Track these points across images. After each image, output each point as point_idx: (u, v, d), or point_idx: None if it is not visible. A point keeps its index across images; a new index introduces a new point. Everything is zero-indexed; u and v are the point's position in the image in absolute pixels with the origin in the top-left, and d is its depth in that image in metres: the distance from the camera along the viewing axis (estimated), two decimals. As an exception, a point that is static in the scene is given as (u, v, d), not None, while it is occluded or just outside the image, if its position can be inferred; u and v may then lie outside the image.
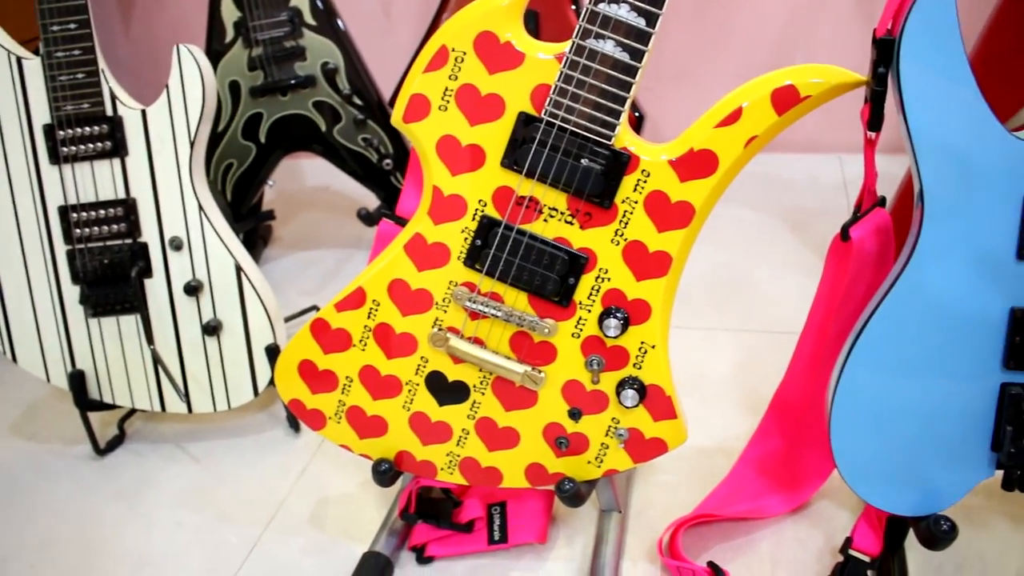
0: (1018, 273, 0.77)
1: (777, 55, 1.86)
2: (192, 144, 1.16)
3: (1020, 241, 0.76)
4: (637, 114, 1.45)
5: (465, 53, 0.83)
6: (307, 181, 2.01)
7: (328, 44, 1.51)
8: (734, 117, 0.79)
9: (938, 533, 0.81)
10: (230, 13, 1.51)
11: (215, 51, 1.52)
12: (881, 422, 0.81)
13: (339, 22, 1.52)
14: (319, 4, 1.50)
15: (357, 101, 1.52)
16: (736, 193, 1.70)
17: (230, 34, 1.52)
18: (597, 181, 0.81)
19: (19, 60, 1.15)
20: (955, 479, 0.82)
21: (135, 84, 1.32)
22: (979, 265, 0.77)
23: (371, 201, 1.62)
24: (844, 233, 0.86)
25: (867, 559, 0.89)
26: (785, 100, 0.79)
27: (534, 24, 1.44)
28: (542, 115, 0.81)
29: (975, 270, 0.77)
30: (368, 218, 1.01)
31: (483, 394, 0.89)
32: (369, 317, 0.90)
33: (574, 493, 0.88)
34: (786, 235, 1.61)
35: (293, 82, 1.51)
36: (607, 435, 0.87)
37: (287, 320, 1.35)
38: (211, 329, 1.18)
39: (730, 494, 1.00)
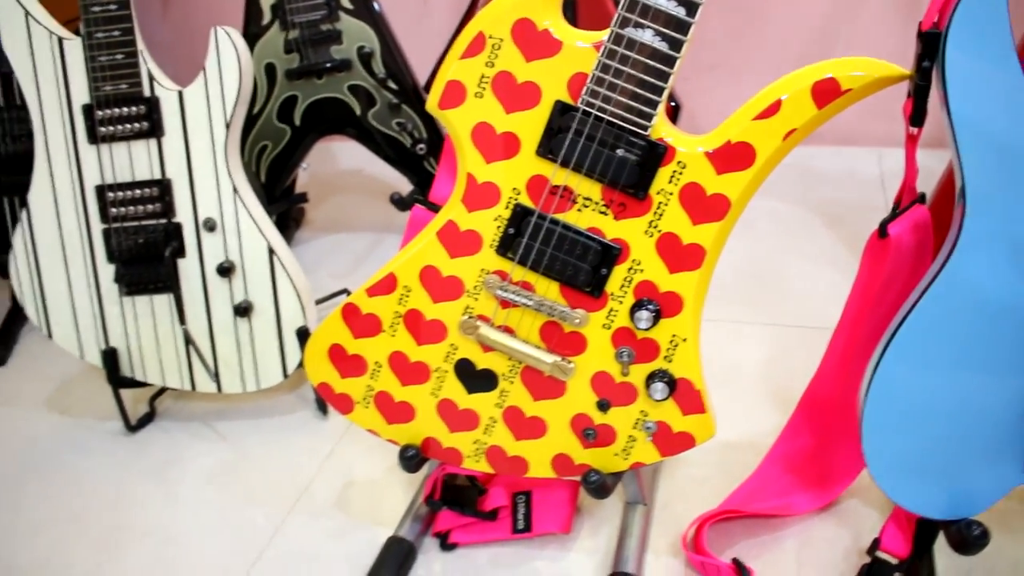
0: (1060, 274, 0.75)
1: (817, 47, 1.84)
2: (228, 126, 1.17)
3: (1064, 241, 0.75)
4: (673, 104, 1.44)
5: (502, 40, 0.83)
6: (341, 164, 2.02)
7: (364, 28, 1.51)
8: (773, 110, 0.78)
9: (969, 538, 0.79)
10: (268, -5, 1.51)
11: (252, 33, 1.52)
12: (915, 422, 0.80)
13: (375, 6, 1.51)
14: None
15: (392, 85, 1.52)
16: (771, 186, 1.67)
17: (267, 16, 1.52)
18: (632, 172, 0.80)
19: (60, 40, 1.16)
20: (989, 483, 0.81)
21: (173, 65, 1.33)
22: (1018, 269, 0.76)
23: (404, 185, 1.62)
24: (882, 230, 0.84)
25: (895, 561, 0.88)
26: (826, 93, 0.77)
27: (571, 12, 1.43)
28: (578, 104, 0.81)
29: (1017, 269, 0.76)
30: (401, 203, 1.00)
31: (512, 383, 0.89)
32: (400, 303, 0.90)
33: (600, 485, 0.87)
34: (821, 229, 1.59)
35: (329, 65, 1.51)
36: (635, 428, 0.87)
37: (318, 303, 1.36)
38: (242, 310, 1.18)
39: (757, 490, 0.99)
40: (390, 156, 1.57)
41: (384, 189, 1.87)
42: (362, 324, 0.92)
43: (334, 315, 0.93)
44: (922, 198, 0.87)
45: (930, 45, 0.77)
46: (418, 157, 1.55)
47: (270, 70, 1.54)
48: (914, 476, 0.81)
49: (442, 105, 0.86)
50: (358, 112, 1.54)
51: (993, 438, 0.79)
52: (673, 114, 1.43)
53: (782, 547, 0.98)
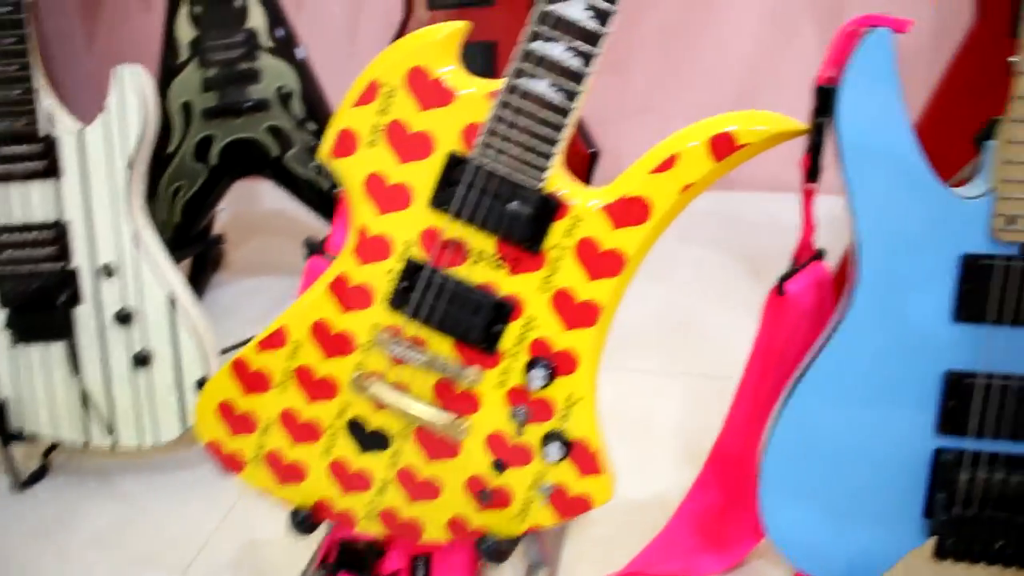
0: (953, 335, 0.74)
1: (742, 91, 1.85)
2: (130, 168, 1.13)
3: (955, 302, 0.74)
4: (592, 151, 1.42)
5: (396, 88, 0.80)
6: (264, 204, 1.98)
7: (284, 67, 1.48)
8: (669, 163, 0.77)
9: (867, 603, 0.78)
10: (186, 32, 1.48)
11: (169, 70, 1.49)
12: (812, 485, 0.78)
13: (297, 44, 1.49)
14: (276, 26, 1.48)
15: (311, 127, 1.49)
16: (695, 232, 1.68)
17: (185, 53, 1.48)
18: (525, 226, 0.78)
19: (-49, 76, 1.11)
20: (887, 545, 0.79)
21: (98, 100, 1.28)
22: (913, 325, 0.75)
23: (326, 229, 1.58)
24: (780, 287, 0.83)
25: (798, 625, 0.86)
26: (722, 147, 0.76)
27: (490, 56, 1.42)
28: (471, 155, 0.79)
29: (910, 331, 0.75)
30: (313, 249, 0.98)
31: (405, 442, 0.86)
32: (290, 358, 0.86)
33: (494, 550, 0.84)
34: (745, 277, 1.59)
35: (246, 105, 1.48)
36: (531, 489, 0.84)
37: (225, 351, 1.31)
38: (141, 360, 1.14)
39: (662, 551, 0.96)
40: (308, 199, 1.54)
41: (308, 231, 1.81)
42: (252, 380, 0.88)
43: (223, 370, 0.89)
44: (820, 254, 0.86)
45: (824, 100, 0.76)
46: (336, 201, 1.52)
47: (186, 108, 1.50)
48: (812, 538, 0.79)
49: (334, 154, 0.83)
50: (276, 153, 1.51)
51: (890, 501, 0.78)
52: (591, 161, 1.42)
53: (689, 609, 0.95)
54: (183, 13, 1.48)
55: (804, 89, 1.85)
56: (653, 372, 1.33)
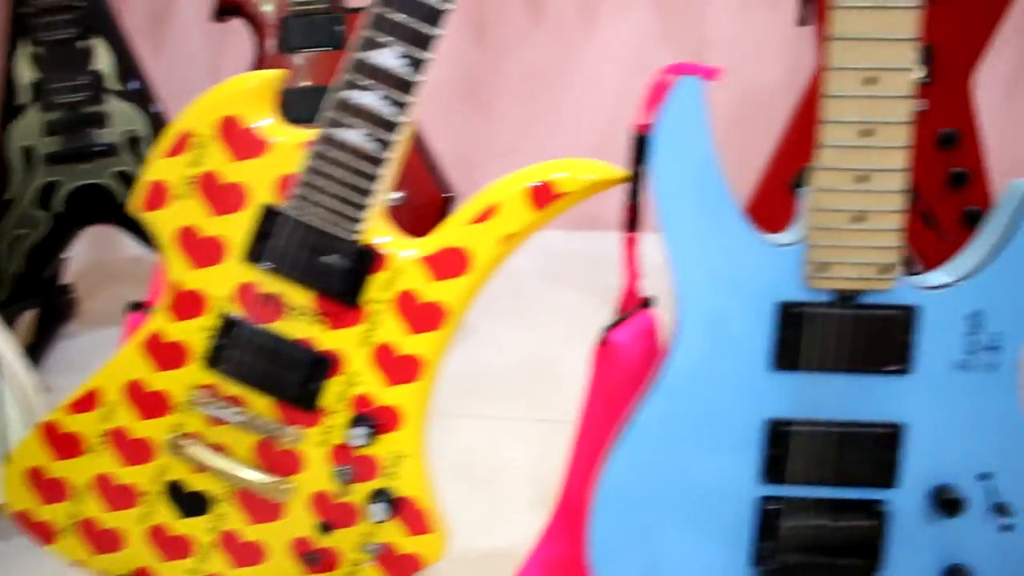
0: (772, 384, 0.75)
1: (607, 133, 1.87)
2: (-51, 218, 1.07)
3: (773, 351, 0.74)
4: (447, 195, 1.41)
5: (207, 138, 0.78)
6: (123, 251, 1.90)
7: (132, 110, 1.43)
8: (488, 213, 0.76)
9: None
10: (26, 73, 1.41)
11: (8, 113, 1.42)
12: (640, 535, 0.77)
13: (153, 99, 1.43)
14: (130, 78, 1.42)
15: (161, 172, 1.44)
16: (560, 273, 1.68)
17: (25, 95, 1.42)
18: (342, 280, 0.76)
19: None
20: (718, 594, 0.78)
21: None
22: (733, 375, 0.75)
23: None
24: (605, 338, 0.82)
25: None
26: (542, 196, 0.76)
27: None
28: (285, 207, 0.76)
29: (729, 380, 0.75)
30: (136, 308, 0.93)
31: (227, 505, 0.82)
32: (103, 420, 0.82)
33: (319, 616, 0.81)
34: (609, 319, 1.58)
35: (93, 149, 1.42)
36: (359, 551, 0.81)
37: (58, 410, 1.24)
38: (-41, 423, 1.07)
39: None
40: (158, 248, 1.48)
41: (167, 277, 1.77)
42: (63, 444, 0.83)
43: (32, 436, 0.84)
44: (647, 302, 0.85)
45: (640, 148, 0.76)
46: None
47: (28, 153, 1.43)
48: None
49: (145, 207, 0.79)
50: (124, 200, 1.45)
51: (717, 552, 0.77)
52: (446, 205, 1.40)
53: (535, 663, 0.93)
54: (22, 54, 1.42)
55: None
56: (509, 418, 1.31)
